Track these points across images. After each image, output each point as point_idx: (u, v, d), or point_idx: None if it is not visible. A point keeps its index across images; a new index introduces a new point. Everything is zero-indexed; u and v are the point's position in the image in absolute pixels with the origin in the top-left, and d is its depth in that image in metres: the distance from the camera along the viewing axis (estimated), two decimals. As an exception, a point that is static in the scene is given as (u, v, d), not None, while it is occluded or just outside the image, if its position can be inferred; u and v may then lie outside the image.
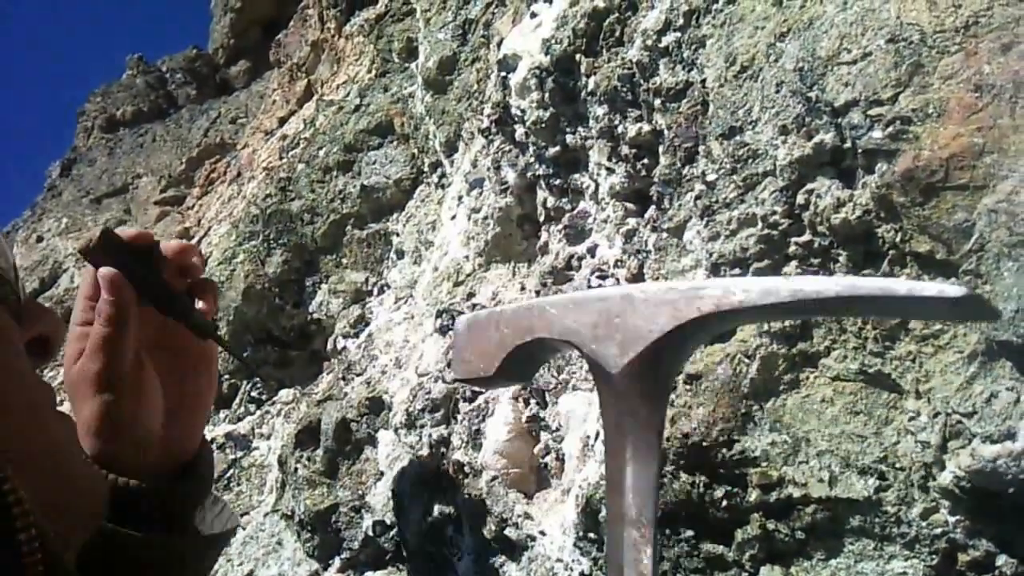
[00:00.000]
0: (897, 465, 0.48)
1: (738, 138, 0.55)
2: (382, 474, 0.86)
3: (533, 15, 0.78)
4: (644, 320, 0.39)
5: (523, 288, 0.80)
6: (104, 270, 0.61)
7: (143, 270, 0.61)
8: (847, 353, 0.51)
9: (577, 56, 0.73)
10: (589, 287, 0.73)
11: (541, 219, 0.80)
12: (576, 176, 0.76)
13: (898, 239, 0.48)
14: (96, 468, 0.60)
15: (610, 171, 0.70)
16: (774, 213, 0.52)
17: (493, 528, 0.71)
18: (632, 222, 0.68)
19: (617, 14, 0.71)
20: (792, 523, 0.52)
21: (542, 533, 0.69)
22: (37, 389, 0.49)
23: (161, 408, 0.65)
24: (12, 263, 0.53)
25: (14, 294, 0.51)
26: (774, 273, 0.52)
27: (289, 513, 0.92)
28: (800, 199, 0.51)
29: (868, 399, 0.50)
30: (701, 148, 0.59)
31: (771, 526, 0.53)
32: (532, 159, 0.80)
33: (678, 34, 0.63)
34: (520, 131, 0.79)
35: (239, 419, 1.11)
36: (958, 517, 0.47)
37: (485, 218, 0.84)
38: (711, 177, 0.57)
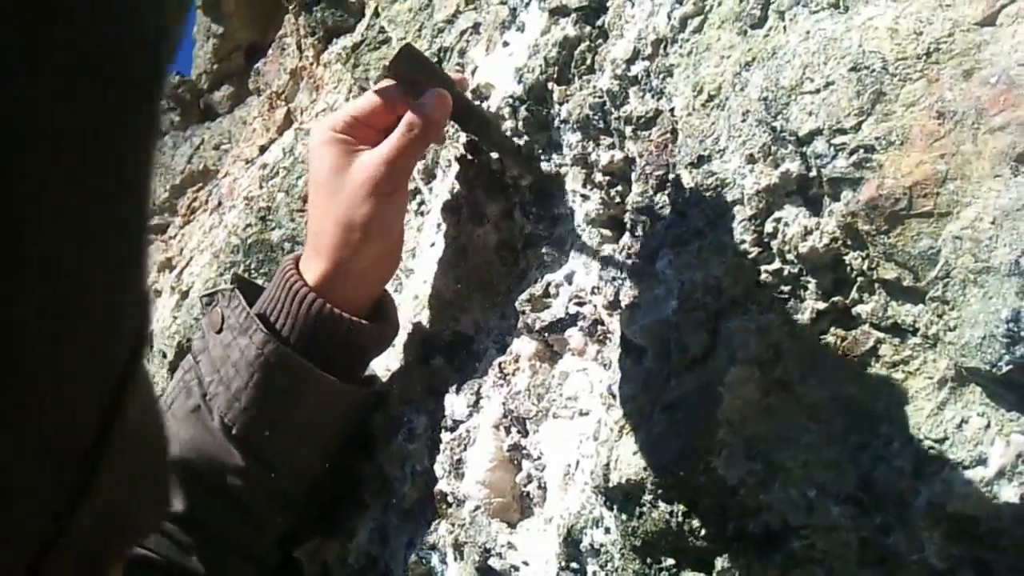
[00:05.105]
0: (873, 492, 0.48)
1: (706, 167, 0.55)
2: (367, 505, 0.85)
3: (505, 44, 0.79)
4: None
5: (503, 316, 0.80)
6: (438, 90, 0.67)
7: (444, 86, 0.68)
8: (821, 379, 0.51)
9: (549, 84, 0.73)
10: (567, 314, 0.73)
11: (519, 246, 0.80)
12: (552, 203, 0.76)
13: (866, 266, 0.48)
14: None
15: (585, 198, 0.70)
16: (743, 242, 0.52)
17: (477, 558, 0.71)
18: (608, 249, 0.68)
19: (588, 42, 0.71)
20: (772, 551, 0.52)
21: (525, 563, 0.68)
22: None
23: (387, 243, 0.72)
24: None
25: None
26: (745, 303, 0.52)
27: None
28: (768, 227, 0.51)
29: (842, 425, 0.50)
30: (671, 176, 0.59)
31: (751, 554, 0.53)
32: (509, 186, 0.80)
33: (647, 63, 0.63)
34: (496, 158, 0.80)
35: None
36: (936, 543, 0.47)
37: (463, 246, 0.84)
38: (681, 206, 0.57)
